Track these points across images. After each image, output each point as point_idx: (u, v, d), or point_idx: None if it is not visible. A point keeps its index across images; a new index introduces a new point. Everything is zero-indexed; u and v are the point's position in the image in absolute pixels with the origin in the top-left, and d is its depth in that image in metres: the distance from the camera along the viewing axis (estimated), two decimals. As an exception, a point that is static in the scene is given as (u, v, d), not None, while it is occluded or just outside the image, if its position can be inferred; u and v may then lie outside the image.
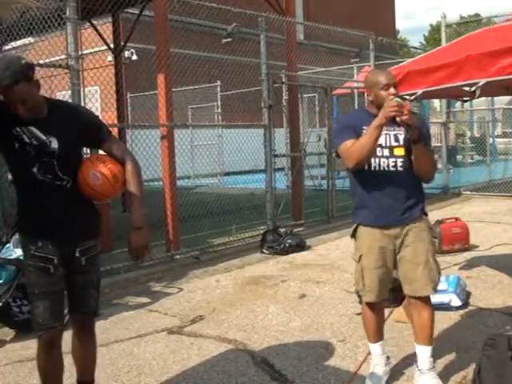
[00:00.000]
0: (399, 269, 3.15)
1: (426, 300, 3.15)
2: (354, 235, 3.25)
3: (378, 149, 3.05)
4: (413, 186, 3.13)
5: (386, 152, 3.07)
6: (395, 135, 3.10)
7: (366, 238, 3.16)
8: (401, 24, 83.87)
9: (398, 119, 2.92)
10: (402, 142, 3.09)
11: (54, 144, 2.62)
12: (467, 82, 4.20)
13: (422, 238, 3.12)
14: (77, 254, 2.71)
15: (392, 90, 3.02)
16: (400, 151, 3.08)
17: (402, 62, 5.77)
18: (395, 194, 3.07)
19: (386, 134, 3.07)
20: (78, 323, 2.88)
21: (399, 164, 3.07)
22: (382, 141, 3.05)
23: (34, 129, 2.60)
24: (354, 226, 3.22)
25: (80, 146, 2.84)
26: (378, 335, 3.29)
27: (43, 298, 2.64)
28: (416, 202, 3.13)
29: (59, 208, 2.65)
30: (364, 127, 3.04)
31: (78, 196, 2.69)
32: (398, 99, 2.95)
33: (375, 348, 3.30)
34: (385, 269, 3.13)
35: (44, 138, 2.61)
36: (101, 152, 2.84)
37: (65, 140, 2.64)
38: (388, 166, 3.06)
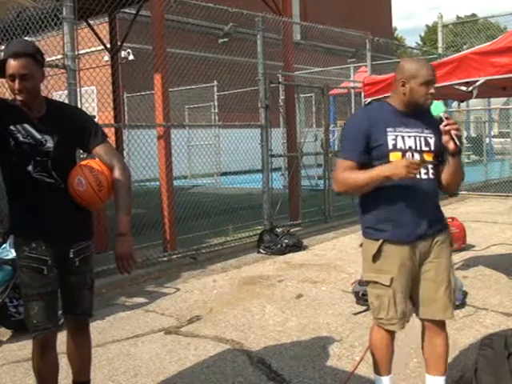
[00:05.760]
0: (419, 288, 2.77)
1: (442, 324, 2.82)
2: (376, 255, 2.73)
3: (408, 153, 2.65)
4: (437, 195, 2.80)
5: (417, 157, 2.66)
6: (425, 138, 2.71)
7: (395, 257, 2.70)
8: (400, 24, 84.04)
9: (453, 133, 2.57)
10: (432, 147, 2.71)
11: (49, 143, 2.61)
12: (465, 80, 4.21)
13: (444, 252, 2.77)
14: (71, 255, 2.70)
15: (432, 90, 2.64)
16: (430, 157, 2.71)
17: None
18: (426, 205, 2.71)
19: (416, 136, 2.70)
20: (73, 324, 2.87)
21: (431, 171, 2.71)
22: (411, 143, 2.68)
23: (29, 127, 2.60)
24: (378, 244, 2.71)
25: (74, 147, 2.82)
26: (390, 365, 2.88)
27: (37, 299, 2.62)
28: (441, 211, 2.83)
29: (54, 208, 2.64)
30: (389, 129, 2.66)
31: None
32: (425, 161, 2.64)
33: (387, 382, 2.87)
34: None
35: (39, 136, 2.60)
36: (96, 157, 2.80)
37: (60, 140, 2.63)
38: (420, 174, 2.65)
